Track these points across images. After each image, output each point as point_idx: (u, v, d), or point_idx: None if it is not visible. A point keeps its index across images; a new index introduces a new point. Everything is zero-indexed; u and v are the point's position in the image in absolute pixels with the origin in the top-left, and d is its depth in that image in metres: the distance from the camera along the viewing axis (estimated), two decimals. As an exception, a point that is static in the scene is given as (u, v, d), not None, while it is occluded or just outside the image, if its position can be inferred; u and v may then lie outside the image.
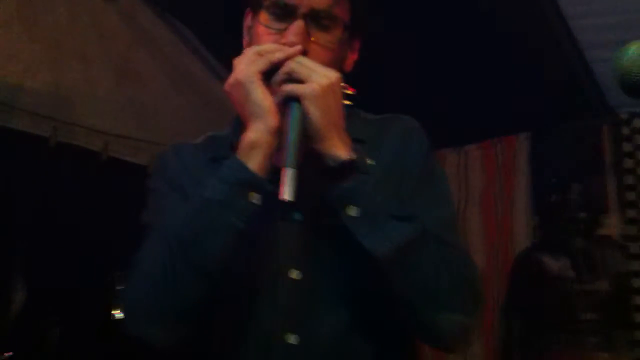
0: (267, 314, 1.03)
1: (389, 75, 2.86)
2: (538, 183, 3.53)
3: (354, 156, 1.00)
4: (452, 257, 1.03)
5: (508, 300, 3.19)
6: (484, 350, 3.35)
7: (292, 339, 1.02)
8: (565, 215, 3.13)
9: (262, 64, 1.02)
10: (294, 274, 1.04)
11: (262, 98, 1.00)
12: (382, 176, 1.03)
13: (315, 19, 1.08)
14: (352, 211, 0.98)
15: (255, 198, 0.98)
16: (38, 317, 2.64)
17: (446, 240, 1.05)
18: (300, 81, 1.00)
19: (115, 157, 2.99)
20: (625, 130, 3.38)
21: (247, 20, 1.17)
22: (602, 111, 3.40)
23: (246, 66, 1.02)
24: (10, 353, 2.40)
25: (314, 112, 0.98)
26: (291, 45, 1.04)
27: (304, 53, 1.04)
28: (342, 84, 1.04)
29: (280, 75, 1.02)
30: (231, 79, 1.03)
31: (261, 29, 1.10)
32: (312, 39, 1.07)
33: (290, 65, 1.01)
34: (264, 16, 1.10)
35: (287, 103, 1.00)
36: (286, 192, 0.92)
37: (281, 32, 1.07)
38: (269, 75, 1.02)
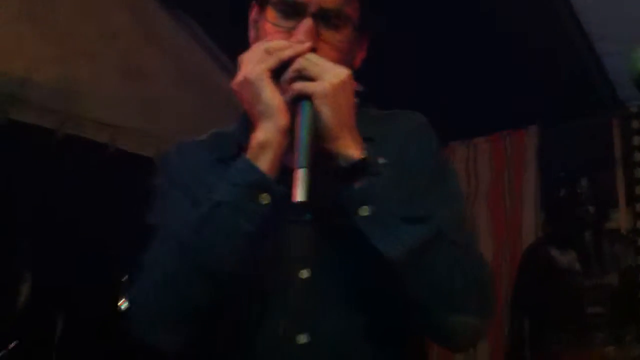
0: (278, 314, 1.02)
1: (398, 67, 2.85)
2: (547, 177, 3.51)
3: (366, 156, 0.97)
4: (465, 258, 1.01)
5: (516, 295, 3.17)
6: (491, 345, 3.35)
7: (302, 338, 1.00)
8: (574, 210, 3.10)
9: (271, 62, 0.99)
10: (304, 274, 1.03)
11: (271, 97, 0.97)
12: (394, 176, 1.00)
13: (325, 18, 1.05)
14: (365, 212, 0.96)
15: (265, 200, 0.95)
16: (43, 309, 2.64)
17: (458, 240, 1.02)
18: (310, 79, 0.98)
19: (122, 150, 3.00)
20: (635, 124, 3.35)
21: (253, 14, 1.14)
22: (611, 104, 3.38)
23: (255, 64, 0.99)
24: (15, 342, 2.40)
25: (326, 111, 0.96)
26: (301, 43, 1.01)
27: (313, 51, 1.01)
28: (352, 81, 1.01)
29: (290, 73, 0.99)
30: (239, 77, 1.00)
31: (269, 27, 1.07)
32: (321, 38, 1.04)
33: (300, 63, 0.99)
34: (271, 13, 1.08)
35: (297, 102, 0.98)
36: (299, 194, 0.89)
37: (289, 30, 1.05)
38: (278, 73, 1.00)
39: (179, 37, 3.34)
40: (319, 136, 0.96)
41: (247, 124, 1.04)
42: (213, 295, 0.97)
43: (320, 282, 1.02)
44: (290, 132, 0.97)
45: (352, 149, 0.97)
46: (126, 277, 2.55)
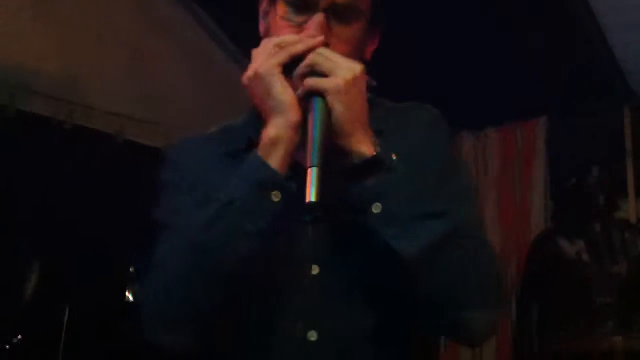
0: (289, 312, 1.01)
1: (409, 57, 2.83)
2: (556, 167, 3.49)
3: (378, 152, 0.96)
4: (478, 255, 0.99)
5: (524, 285, 3.17)
6: (499, 334, 3.34)
7: (313, 335, 0.99)
8: (584, 200, 3.09)
9: (282, 57, 0.98)
10: (315, 271, 1.01)
11: (283, 92, 0.96)
12: (407, 172, 0.99)
13: (336, 12, 1.03)
14: (378, 210, 0.94)
15: (276, 197, 0.94)
16: (50, 300, 2.65)
17: (472, 234, 1.01)
18: (323, 75, 0.96)
19: (131, 140, 3.00)
20: (647, 115, 3.33)
21: (264, 5, 1.13)
22: (623, 95, 3.35)
23: (266, 59, 0.98)
24: (20, 336, 2.41)
25: (339, 108, 0.94)
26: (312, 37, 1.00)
27: (325, 46, 1.00)
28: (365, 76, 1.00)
29: (302, 68, 0.97)
30: (250, 72, 0.98)
31: (280, 22, 1.06)
32: (333, 32, 1.03)
33: (312, 58, 0.97)
34: (282, 8, 1.06)
35: (309, 98, 0.96)
36: (312, 194, 0.87)
37: (301, 25, 1.03)
38: (289, 68, 0.98)
39: (186, 26, 3.33)
40: (332, 132, 0.95)
41: (257, 117, 1.02)
42: (224, 294, 0.96)
43: (330, 279, 1.01)
44: (301, 128, 0.96)
45: (364, 146, 0.96)
46: (133, 268, 2.56)
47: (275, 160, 0.95)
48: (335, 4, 1.03)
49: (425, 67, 2.96)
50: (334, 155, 0.95)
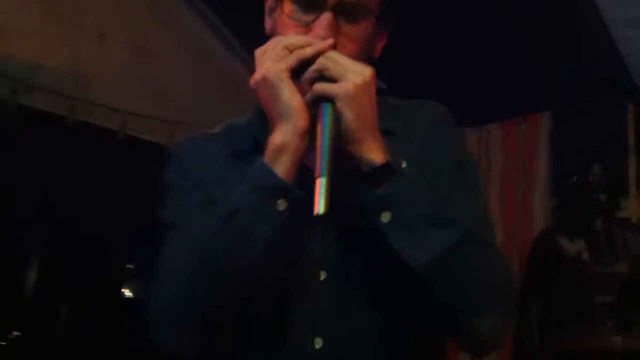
0: (295, 317, 0.99)
1: (411, 53, 2.82)
2: (559, 163, 3.48)
3: (389, 159, 0.94)
4: (489, 260, 0.99)
5: (525, 283, 3.16)
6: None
7: (319, 342, 0.98)
8: (586, 197, 3.08)
9: (291, 62, 0.95)
10: (323, 276, 1.00)
11: (290, 98, 0.94)
12: (416, 177, 0.97)
13: (344, 11, 1.01)
14: (387, 218, 0.93)
15: (283, 205, 0.92)
16: (48, 297, 2.65)
17: (482, 237, 1.00)
18: (332, 79, 0.94)
19: (133, 136, 2.99)
20: (650, 111, 3.31)
21: (270, 1, 1.10)
22: (626, 90, 3.33)
23: (274, 63, 0.95)
24: (18, 333, 2.41)
25: (348, 114, 0.92)
26: (322, 39, 0.97)
27: (334, 47, 0.97)
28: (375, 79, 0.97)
29: (310, 73, 0.95)
30: (257, 76, 0.96)
31: (286, 21, 1.03)
32: (341, 31, 1.01)
33: (321, 63, 0.95)
34: (289, 6, 1.04)
35: (318, 103, 0.94)
36: (321, 205, 0.86)
37: (308, 24, 1.01)
38: (298, 71, 0.95)
39: (188, 21, 3.32)
40: (341, 139, 0.93)
41: (263, 116, 1.01)
42: (231, 299, 0.95)
43: (337, 285, 1.00)
44: (309, 133, 0.94)
45: (374, 153, 0.93)
46: (132, 265, 2.55)
47: (281, 168, 0.93)
48: (343, 2, 1.00)
49: (426, 63, 2.94)
50: (343, 160, 0.93)
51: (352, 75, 0.94)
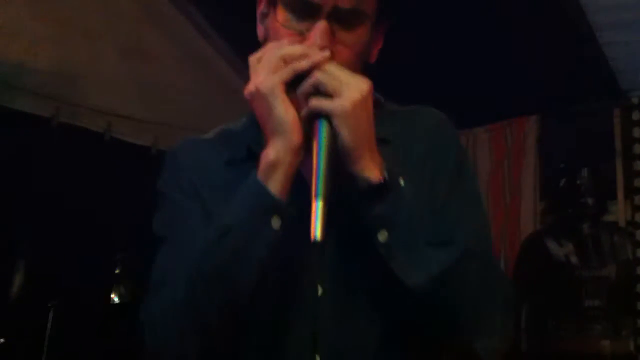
0: (292, 333, 0.98)
1: (398, 57, 2.81)
2: (546, 167, 3.49)
3: (386, 177, 0.92)
4: (489, 281, 0.97)
5: (514, 286, 3.17)
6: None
7: (318, 359, 0.96)
8: (574, 201, 3.09)
9: (286, 74, 0.93)
10: (319, 293, 0.98)
11: (285, 113, 0.91)
12: (415, 190, 0.95)
13: (340, 18, 0.98)
14: (384, 238, 0.91)
15: (276, 223, 0.91)
16: (36, 300, 2.62)
17: (482, 254, 0.99)
18: (328, 94, 0.91)
19: (118, 139, 2.97)
20: (636, 115, 3.32)
21: (262, 6, 1.08)
22: (613, 95, 3.35)
23: (269, 75, 0.93)
24: (2, 340, 2.38)
25: (345, 132, 0.90)
26: (318, 47, 0.95)
27: (330, 57, 0.95)
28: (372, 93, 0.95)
29: (306, 87, 0.92)
30: (251, 87, 0.94)
31: (280, 30, 1.01)
32: (337, 39, 0.98)
33: (317, 77, 0.92)
34: (282, 14, 1.01)
35: (314, 119, 0.91)
36: (317, 231, 0.84)
37: (303, 33, 0.98)
38: (293, 83, 0.93)
39: (179, 23, 3.29)
40: (338, 154, 0.91)
41: (257, 123, 0.98)
42: (226, 317, 0.93)
43: (335, 300, 0.98)
44: (304, 149, 0.92)
45: (371, 171, 0.92)
46: (119, 269, 2.53)
47: (275, 185, 0.91)
48: (338, 10, 0.97)
49: (412, 67, 2.94)
50: (340, 177, 0.91)
51: (349, 90, 0.91)
